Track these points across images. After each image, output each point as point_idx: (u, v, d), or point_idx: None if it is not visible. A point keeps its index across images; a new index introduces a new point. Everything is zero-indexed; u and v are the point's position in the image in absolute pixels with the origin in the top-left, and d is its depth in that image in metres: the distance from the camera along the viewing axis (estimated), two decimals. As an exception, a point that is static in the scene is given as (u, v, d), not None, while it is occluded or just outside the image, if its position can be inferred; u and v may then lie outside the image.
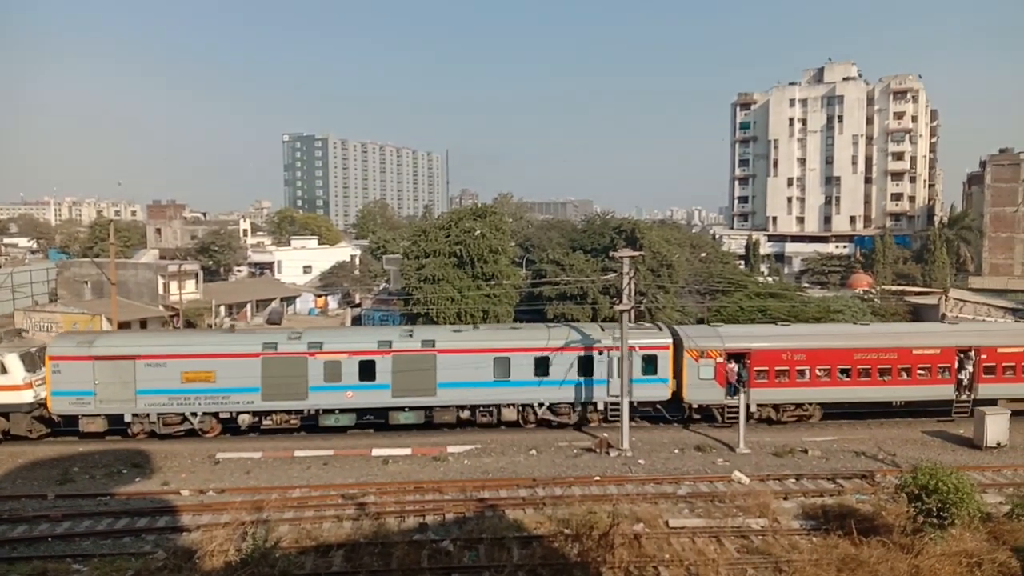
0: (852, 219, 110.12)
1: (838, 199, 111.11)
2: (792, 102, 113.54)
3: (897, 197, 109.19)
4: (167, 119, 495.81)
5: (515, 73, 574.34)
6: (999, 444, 29.09)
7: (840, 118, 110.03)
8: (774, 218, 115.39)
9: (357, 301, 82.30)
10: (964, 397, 32.86)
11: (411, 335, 32.26)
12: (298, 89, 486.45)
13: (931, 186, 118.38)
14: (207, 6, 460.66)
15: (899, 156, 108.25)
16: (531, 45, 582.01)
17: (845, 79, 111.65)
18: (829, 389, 32.44)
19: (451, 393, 31.34)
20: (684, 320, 47.36)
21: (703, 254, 72.03)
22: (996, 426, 29.19)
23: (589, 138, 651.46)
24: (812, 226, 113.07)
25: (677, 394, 32.26)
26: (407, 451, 29.16)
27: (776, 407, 32.73)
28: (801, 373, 32.18)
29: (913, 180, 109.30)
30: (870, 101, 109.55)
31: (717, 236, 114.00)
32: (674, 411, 33.26)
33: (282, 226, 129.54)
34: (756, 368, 32.02)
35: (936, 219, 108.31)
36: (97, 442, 30.19)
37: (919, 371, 32.50)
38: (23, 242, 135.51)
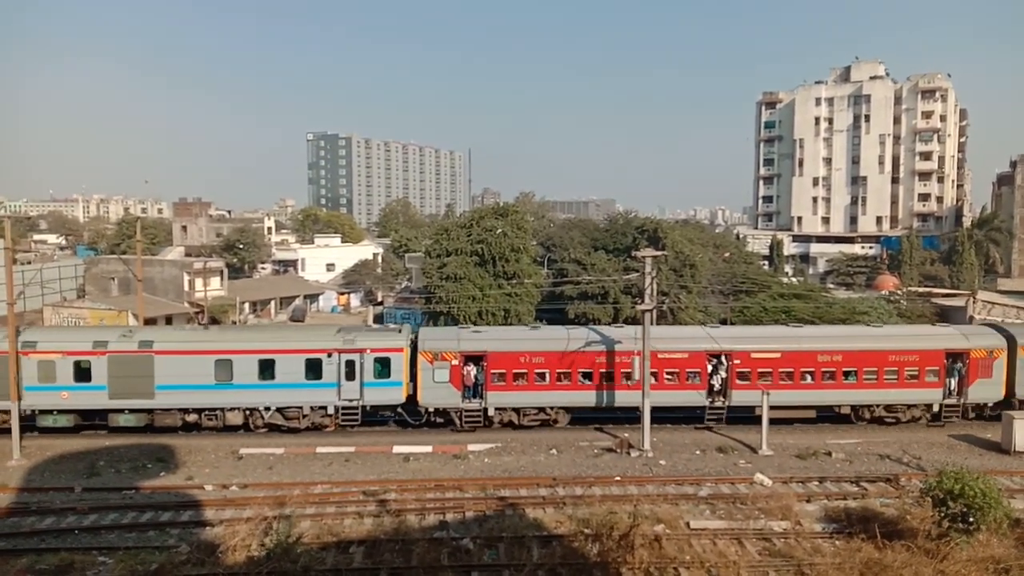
0: (878, 219, 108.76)
1: (864, 199, 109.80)
2: (818, 101, 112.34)
3: (924, 197, 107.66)
4: (193, 119, 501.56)
5: (539, 73, 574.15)
6: (1028, 449, 28.57)
7: (867, 117, 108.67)
8: (799, 218, 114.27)
9: (379, 299, 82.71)
10: (718, 403, 31.70)
11: (130, 335, 31.43)
12: (323, 88, 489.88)
13: (959, 186, 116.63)
14: (233, 5, 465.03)
15: (927, 156, 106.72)
16: (555, 45, 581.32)
17: (872, 78, 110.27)
18: (572, 393, 31.39)
19: (171, 396, 30.32)
20: (707, 321, 47.04)
21: (726, 254, 71.58)
22: (1024, 430, 28.69)
23: (612, 137, 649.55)
24: (838, 226, 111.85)
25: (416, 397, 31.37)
26: (428, 448, 29.27)
27: (517, 411, 31.64)
28: (541, 376, 31.15)
29: (941, 180, 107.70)
30: (897, 100, 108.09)
31: (741, 236, 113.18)
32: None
33: (306, 224, 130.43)
34: (493, 371, 31.02)
35: (964, 220, 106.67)
36: (123, 436, 30.57)
37: (667, 376, 31.25)
38: (52, 239, 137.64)
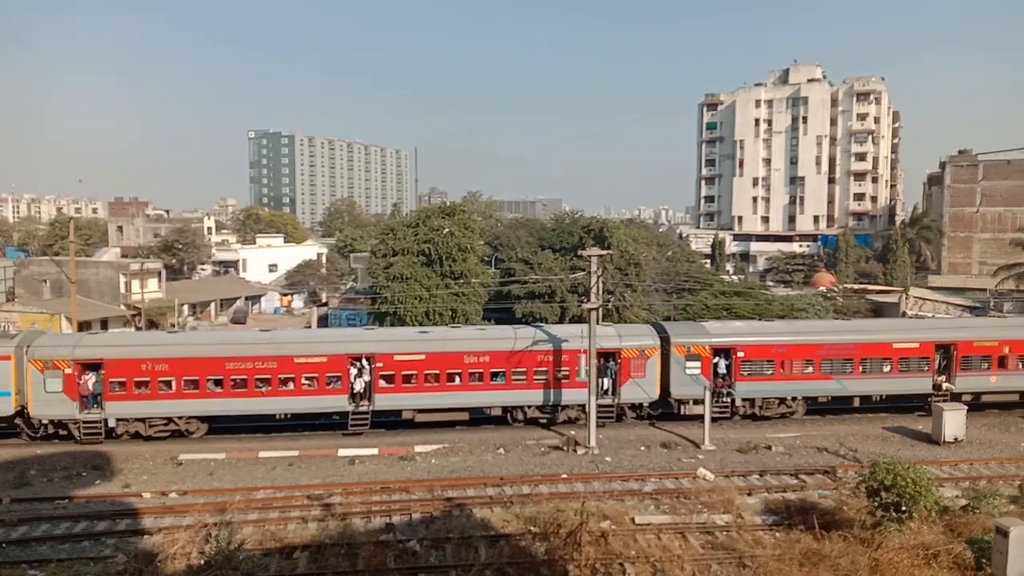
0: (816, 218, 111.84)
1: (802, 199, 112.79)
2: (758, 103, 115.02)
3: (859, 197, 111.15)
4: (129, 116, 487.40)
5: (485, 73, 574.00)
6: (956, 439, 29.69)
7: (804, 119, 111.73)
8: (740, 217, 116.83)
9: (324, 300, 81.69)
10: (362, 408, 30.63)
11: None
12: (264, 86, 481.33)
13: (892, 186, 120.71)
14: (172, 2, 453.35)
15: (861, 157, 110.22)
16: (501, 46, 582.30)
17: (810, 80, 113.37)
18: (203, 401, 29.91)
19: None
20: (652, 318, 47.68)
21: (670, 253, 72.65)
22: (953, 421, 29.80)
23: (559, 138, 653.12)
24: (777, 225, 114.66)
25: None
26: (374, 451, 28.99)
27: (142, 420, 30.06)
28: (167, 384, 29.54)
29: (875, 180, 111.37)
30: (834, 102, 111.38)
31: (684, 235, 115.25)
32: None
33: (247, 224, 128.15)
34: (111, 379, 29.17)
35: (897, 219, 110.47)
36: (56, 444, 29.56)
37: (304, 381, 30.18)
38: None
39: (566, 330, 33.25)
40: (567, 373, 31.28)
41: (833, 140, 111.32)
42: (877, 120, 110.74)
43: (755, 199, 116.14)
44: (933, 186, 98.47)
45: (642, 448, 29.60)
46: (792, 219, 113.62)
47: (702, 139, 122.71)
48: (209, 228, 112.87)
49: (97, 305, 60.35)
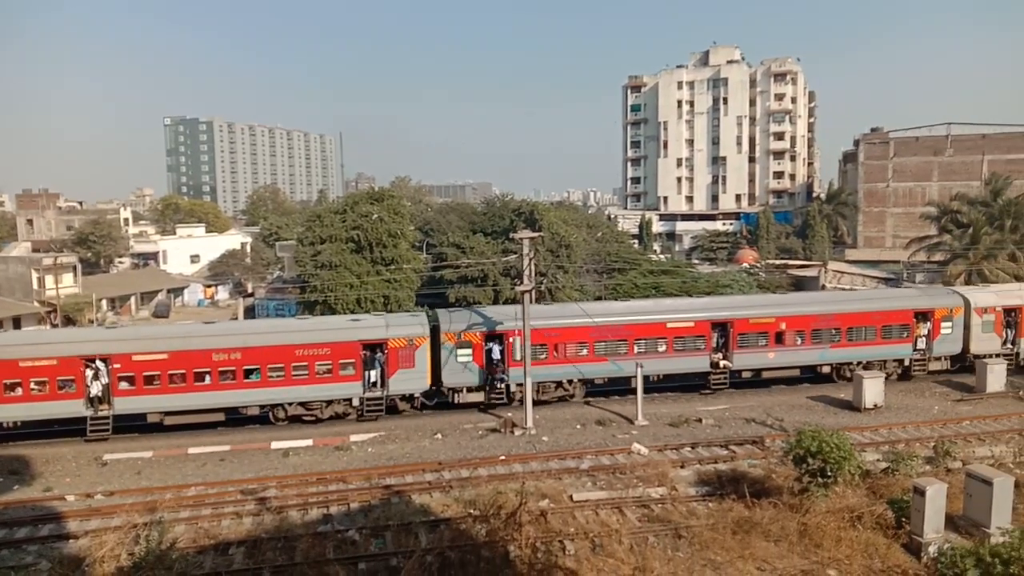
0: (738, 197, 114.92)
1: (724, 178, 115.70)
2: (680, 85, 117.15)
3: (779, 175, 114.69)
4: (35, 102, 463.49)
5: (409, 56, 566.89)
6: (876, 405, 31.03)
7: (725, 100, 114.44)
8: (665, 198, 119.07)
9: (250, 290, 79.80)
10: (102, 413, 28.88)
11: None
12: (179, 70, 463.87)
13: (810, 164, 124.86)
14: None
15: (780, 136, 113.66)
16: (423, 26, 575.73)
17: (729, 62, 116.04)
18: None
19: None
20: (584, 299, 48.23)
21: (599, 234, 73.51)
22: (872, 389, 31.14)
23: (487, 121, 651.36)
24: (700, 205, 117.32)
25: None
26: (308, 442, 28.53)
27: None
28: None
29: (793, 159, 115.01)
30: (752, 83, 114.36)
31: (612, 216, 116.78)
32: None
33: (166, 214, 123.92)
34: None
35: (815, 195, 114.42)
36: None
37: (33, 386, 28.19)
38: None
39: (330, 322, 32.94)
40: (330, 367, 30.05)
41: (753, 120, 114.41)
42: (794, 100, 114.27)
43: (679, 179, 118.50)
44: (848, 163, 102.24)
45: (578, 426, 29.97)
46: (715, 198, 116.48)
47: (627, 121, 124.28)
48: (126, 219, 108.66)
49: (9, 302, 57.53)
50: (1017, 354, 36.53)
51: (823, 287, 62.65)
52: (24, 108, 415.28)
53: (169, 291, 77.44)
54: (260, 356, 29.71)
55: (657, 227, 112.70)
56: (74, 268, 65.96)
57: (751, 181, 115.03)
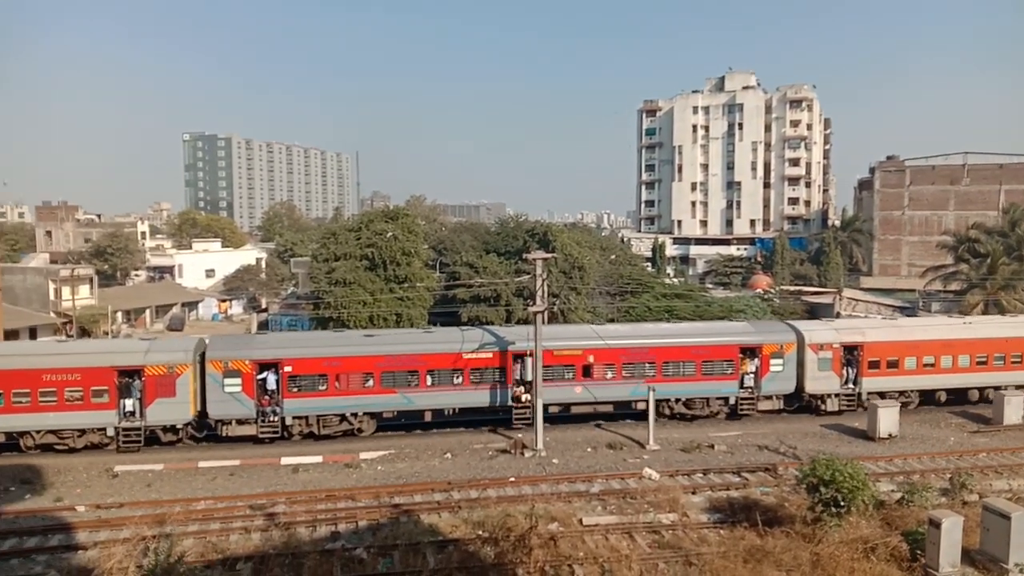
0: (752, 222, 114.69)
1: (739, 203, 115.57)
2: (695, 109, 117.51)
3: (793, 201, 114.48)
4: (57, 117, 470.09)
5: (429, 77, 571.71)
6: (890, 435, 30.70)
7: (740, 125, 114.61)
8: (679, 221, 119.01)
9: (264, 306, 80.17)
10: None
11: None
12: (200, 87, 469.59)
13: (825, 191, 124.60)
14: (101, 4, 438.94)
15: (795, 162, 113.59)
16: (444, 49, 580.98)
17: (745, 88, 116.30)
18: None
19: None
20: (596, 321, 48.13)
21: (612, 256, 73.53)
22: (887, 418, 30.83)
23: (503, 142, 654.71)
24: (715, 229, 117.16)
25: None
26: (318, 459, 28.50)
27: None
28: None
29: (808, 185, 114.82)
30: (768, 109, 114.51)
31: (625, 239, 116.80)
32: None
33: (183, 228, 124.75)
34: None
35: (830, 222, 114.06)
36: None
37: None
38: None
39: (82, 345, 32.12)
40: (81, 394, 28.55)
41: (768, 146, 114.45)
42: (809, 127, 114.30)
43: (694, 203, 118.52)
44: (863, 190, 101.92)
45: (589, 449, 29.80)
46: (729, 223, 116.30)
47: (642, 144, 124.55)
48: (143, 233, 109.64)
49: (26, 313, 57.95)
50: (859, 394, 34.48)
51: (838, 314, 62.16)
52: (46, 122, 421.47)
53: (184, 305, 77.89)
54: (3, 380, 28.15)
55: (671, 250, 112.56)
56: (91, 280, 66.47)
57: (766, 207, 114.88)
